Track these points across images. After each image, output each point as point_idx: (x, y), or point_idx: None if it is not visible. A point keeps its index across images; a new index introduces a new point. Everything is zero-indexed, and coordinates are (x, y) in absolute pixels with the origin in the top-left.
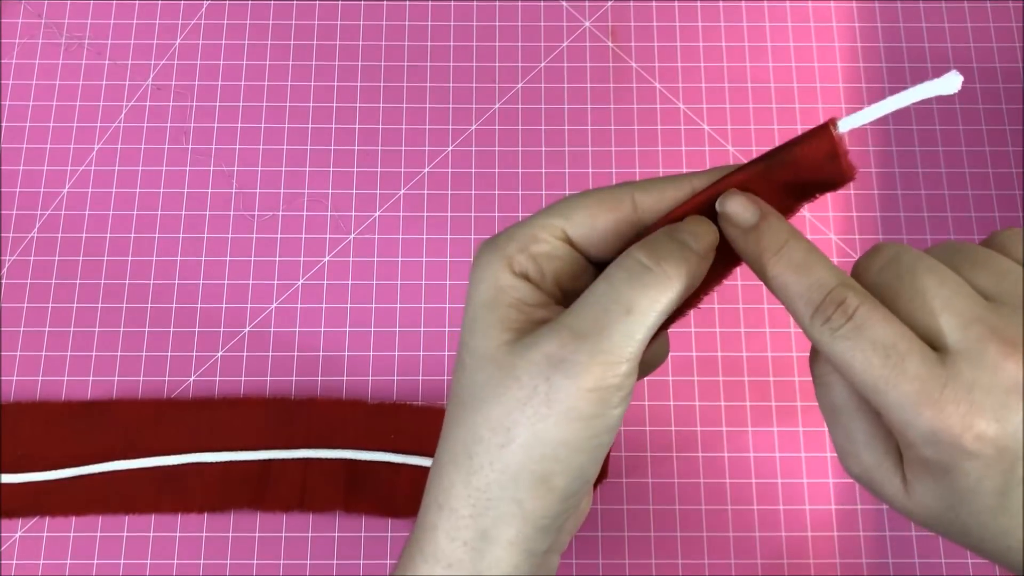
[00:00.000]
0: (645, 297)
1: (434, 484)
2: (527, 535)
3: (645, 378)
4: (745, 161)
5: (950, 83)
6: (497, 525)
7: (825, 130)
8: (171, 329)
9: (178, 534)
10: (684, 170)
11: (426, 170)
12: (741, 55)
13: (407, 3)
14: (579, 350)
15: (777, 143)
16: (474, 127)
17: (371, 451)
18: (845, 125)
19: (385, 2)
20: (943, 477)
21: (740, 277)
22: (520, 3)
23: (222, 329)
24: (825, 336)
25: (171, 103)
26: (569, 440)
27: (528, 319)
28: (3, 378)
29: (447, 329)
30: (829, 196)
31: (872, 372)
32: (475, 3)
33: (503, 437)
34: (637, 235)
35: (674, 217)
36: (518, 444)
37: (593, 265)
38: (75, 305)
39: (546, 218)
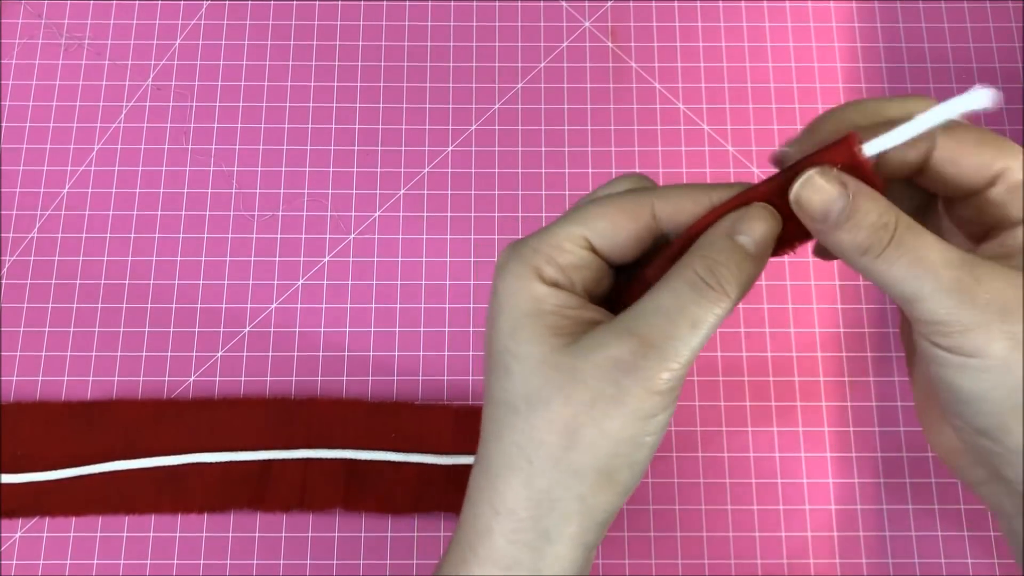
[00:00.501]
0: (708, 312)
1: (486, 489)
2: (587, 528)
3: None
4: (745, 161)
5: (979, 98)
6: (559, 523)
7: (845, 142)
8: (171, 329)
9: (178, 534)
10: (691, 172)
11: (426, 170)
12: (741, 55)
13: (407, 3)
14: (648, 356)
15: (777, 143)
16: (474, 127)
17: (371, 450)
18: (872, 148)
19: (385, 2)
20: None
21: None
22: (520, 3)
23: (222, 329)
24: None
25: (171, 103)
26: (632, 437)
27: (575, 322)
28: (3, 378)
29: (447, 329)
30: None
31: None
32: (475, 3)
33: (568, 439)
34: (655, 242)
35: (693, 234)
36: (585, 444)
37: (613, 268)
38: (75, 305)
39: (568, 227)
